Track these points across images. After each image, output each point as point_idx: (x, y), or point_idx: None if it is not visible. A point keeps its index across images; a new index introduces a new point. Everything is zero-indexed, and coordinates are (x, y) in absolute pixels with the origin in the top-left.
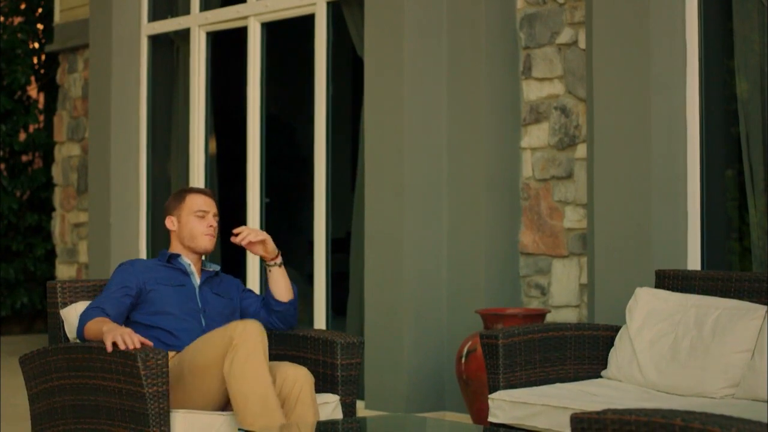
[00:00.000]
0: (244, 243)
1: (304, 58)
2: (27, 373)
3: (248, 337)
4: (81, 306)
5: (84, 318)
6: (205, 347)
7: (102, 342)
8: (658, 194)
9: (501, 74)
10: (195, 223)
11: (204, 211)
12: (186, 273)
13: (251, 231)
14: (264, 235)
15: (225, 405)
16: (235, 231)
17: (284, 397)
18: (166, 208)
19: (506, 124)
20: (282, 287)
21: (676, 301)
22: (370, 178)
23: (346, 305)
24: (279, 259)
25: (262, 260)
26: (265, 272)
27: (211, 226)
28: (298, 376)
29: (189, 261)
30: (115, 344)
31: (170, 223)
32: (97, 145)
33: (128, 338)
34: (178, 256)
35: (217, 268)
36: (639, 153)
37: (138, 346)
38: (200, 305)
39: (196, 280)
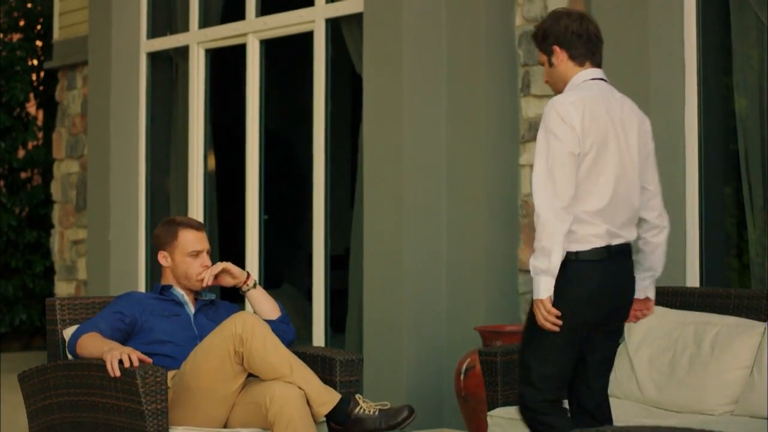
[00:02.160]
0: (210, 283)
1: (303, 74)
2: (26, 390)
3: (254, 325)
4: None
5: (77, 333)
6: (209, 354)
7: (100, 359)
8: None
9: (500, 91)
10: (189, 264)
11: (197, 251)
12: (180, 303)
13: (210, 269)
14: (222, 265)
15: (225, 422)
16: (198, 279)
17: (273, 418)
18: (157, 240)
19: (505, 140)
20: (266, 307)
21: (674, 318)
22: (369, 194)
23: (345, 322)
24: (251, 281)
25: (238, 289)
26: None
27: (204, 265)
28: (288, 397)
29: (182, 292)
30: (120, 364)
31: (163, 259)
32: (96, 162)
33: (126, 357)
34: (170, 287)
35: (212, 296)
36: None
37: (137, 364)
38: (196, 332)
39: (191, 309)
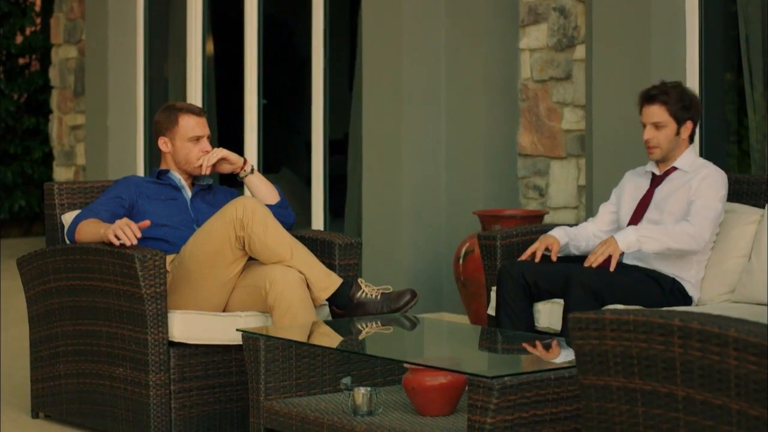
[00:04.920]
0: (208, 171)
1: None
2: (25, 275)
3: (254, 209)
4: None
5: (76, 219)
6: (209, 238)
7: (100, 243)
8: None
9: None
10: (189, 149)
11: (198, 137)
12: (177, 188)
13: (208, 156)
14: (220, 153)
15: (225, 306)
16: (197, 164)
17: (273, 302)
18: (157, 126)
19: (504, 25)
20: (264, 192)
21: None
22: (368, 80)
23: (344, 207)
24: (248, 167)
25: (236, 176)
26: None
27: (204, 150)
28: (288, 281)
29: (179, 176)
30: (121, 246)
31: (163, 145)
32: (94, 47)
33: (127, 230)
34: (167, 171)
35: (210, 181)
36: (638, 55)
37: (138, 234)
38: (193, 215)
39: (188, 193)
